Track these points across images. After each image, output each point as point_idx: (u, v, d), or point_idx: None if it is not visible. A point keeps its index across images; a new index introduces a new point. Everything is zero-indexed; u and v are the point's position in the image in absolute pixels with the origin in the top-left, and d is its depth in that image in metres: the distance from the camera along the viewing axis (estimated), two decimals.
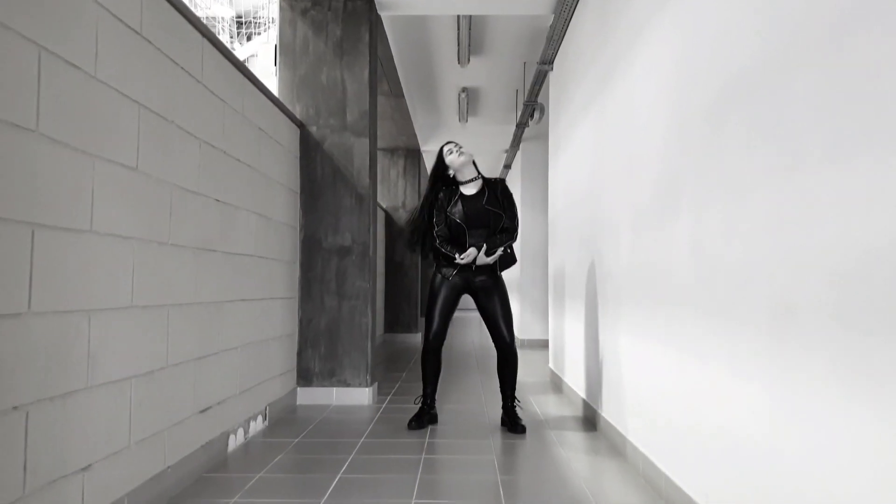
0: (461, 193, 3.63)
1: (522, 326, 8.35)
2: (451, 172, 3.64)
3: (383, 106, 6.96)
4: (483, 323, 3.71)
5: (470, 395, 4.65)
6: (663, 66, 2.52)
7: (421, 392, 3.74)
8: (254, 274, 3.43)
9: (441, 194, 3.66)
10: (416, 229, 3.69)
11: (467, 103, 7.66)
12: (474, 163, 3.69)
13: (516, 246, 3.93)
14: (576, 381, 4.30)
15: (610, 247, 3.34)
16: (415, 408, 3.79)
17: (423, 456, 3.05)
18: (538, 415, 4.02)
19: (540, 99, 6.51)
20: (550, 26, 4.84)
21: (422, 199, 3.75)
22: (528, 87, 6.50)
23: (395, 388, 4.93)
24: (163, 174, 2.39)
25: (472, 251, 3.48)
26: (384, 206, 8.92)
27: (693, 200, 2.17)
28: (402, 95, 6.63)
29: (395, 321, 8.92)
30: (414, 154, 9.07)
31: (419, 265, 9.16)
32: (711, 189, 2.01)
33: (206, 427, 2.80)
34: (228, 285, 3.06)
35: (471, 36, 5.67)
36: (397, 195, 9.05)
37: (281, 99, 4.38)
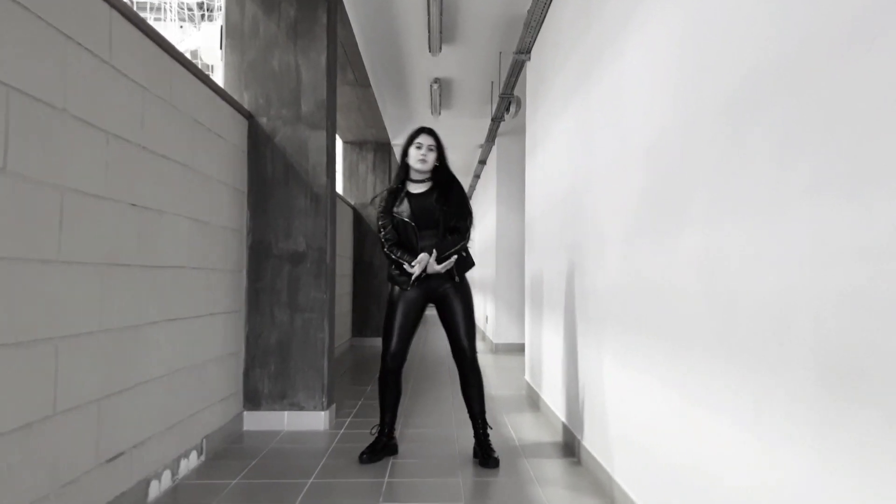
0: (407, 191, 3.25)
1: (497, 330, 7.95)
2: (407, 160, 3.27)
3: (349, 96, 6.48)
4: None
5: (438, 415, 4.23)
6: (663, 52, 2.10)
7: (378, 421, 3.30)
8: (186, 288, 2.96)
9: (385, 192, 3.32)
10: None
11: (440, 95, 7.21)
12: (438, 165, 3.26)
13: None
14: (554, 401, 3.89)
15: (594, 258, 2.93)
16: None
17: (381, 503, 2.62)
18: (513, 439, 3.61)
19: (516, 91, 6.09)
20: (528, 11, 4.42)
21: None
22: (503, 78, 6.08)
23: (357, 408, 4.48)
24: (46, 175, 1.92)
25: (423, 257, 3.11)
26: (352, 203, 8.44)
27: (704, 215, 1.76)
28: (369, 85, 6.16)
29: (364, 325, 8.46)
30: (384, 148, 8.60)
31: None
32: (731, 203, 1.60)
33: (116, 478, 2.34)
34: (149, 304, 2.59)
35: (442, 22, 5.22)
36: (367, 191, 8.57)
37: (227, 87, 3.90)
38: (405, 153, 3.28)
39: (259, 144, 3.87)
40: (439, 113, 7.78)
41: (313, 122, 3.90)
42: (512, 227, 7.95)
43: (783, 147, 1.37)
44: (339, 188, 8.55)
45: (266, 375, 3.86)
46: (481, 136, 8.40)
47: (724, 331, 1.62)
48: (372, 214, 8.49)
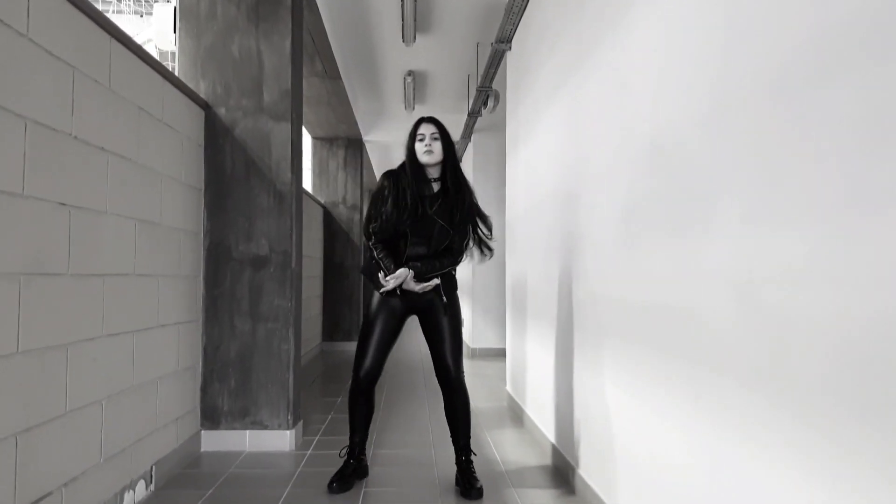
0: (414, 190, 2.84)
1: (474, 335, 7.65)
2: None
3: (318, 89, 6.13)
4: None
5: (415, 433, 3.92)
6: (684, 24, 1.82)
7: (348, 442, 2.98)
8: (130, 298, 2.61)
9: (389, 181, 2.86)
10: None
11: (413, 88, 6.89)
12: (445, 163, 2.89)
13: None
14: (541, 419, 3.61)
15: (591, 264, 2.64)
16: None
17: None
18: (497, 462, 3.31)
19: (495, 84, 5.81)
20: None
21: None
22: (481, 70, 5.79)
23: (327, 423, 4.15)
24: None
25: (401, 273, 2.77)
26: (322, 202, 8.08)
27: (739, 217, 1.48)
28: (339, 77, 5.82)
29: (335, 328, 8.11)
30: (355, 144, 8.25)
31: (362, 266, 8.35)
32: (779, 205, 1.32)
33: None
34: (83, 319, 2.25)
35: (416, 9, 4.91)
36: (337, 189, 8.22)
37: (182, 74, 3.54)
38: (411, 152, 2.88)
39: (217, 137, 3.52)
40: (413, 108, 7.47)
41: (277, 112, 3.56)
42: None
43: (860, 135, 1.09)
44: (309, 186, 8.18)
45: (225, 391, 3.51)
46: (456, 133, 8.09)
47: (769, 363, 1.34)
48: (343, 213, 8.14)
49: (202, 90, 3.53)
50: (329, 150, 8.23)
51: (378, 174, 12.14)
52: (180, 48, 3.57)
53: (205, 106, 3.50)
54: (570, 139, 3.03)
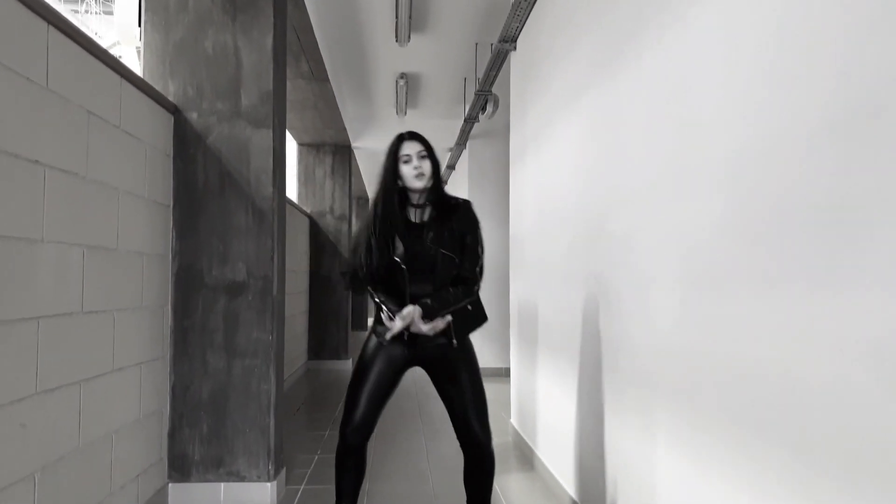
0: (402, 218, 2.38)
1: None
2: (401, 183, 2.39)
3: (304, 92, 5.69)
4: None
5: (412, 481, 3.48)
6: (774, 12, 1.41)
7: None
8: (75, 341, 2.16)
9: (378, 208, 2.37)
10: (354, 273, 2.40)
11: (406, 92, 6.46)
12: (433, 184, 2.41)
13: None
14: (559, 468, 3.18)
15: (630, 304, 2.22)
16: None
17: None
18: None
19: (495, 88, 5.39)
20: None
21: (364, 222, 2.45)
22: (480, 72, 5.37)
23: (314, 465, 3.70)
24: None
25: (410, 311, 2.27)
26: (309, 212, 7.63)
27: (889, 260, 1.06)
28: (327, 79, 5.38)
29: (321, 346, 7.64)
30: (343, 151, 7.80)
31: None
32: None
33: None
34: (6, 376, 1.79)
35: (412, 6, 4.49)
36: (324, 198, 7.76)
37: (148, 74, 3.09)
38: (393, 172, 2.38)
39: (187, 146, 3.07)
40: (405, 112, 7.03)
41: (256, 118, 3.11)
42: (487, 240, 7.21)
43: None
44: (294, 195, 7.72)
45: (197, 437, 3.05)
46: (451, 139, 7.68)
47: None
48: (330, 224, 7.69)
49: (171, 92, 3.08)
50: (315, 156, 7.78)
51: (368, 183, 11.70)
52: (146, 44, 3.12)
53: (173, 110, 3.05)
54: (596, 153, 2.62)
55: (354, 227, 2.44)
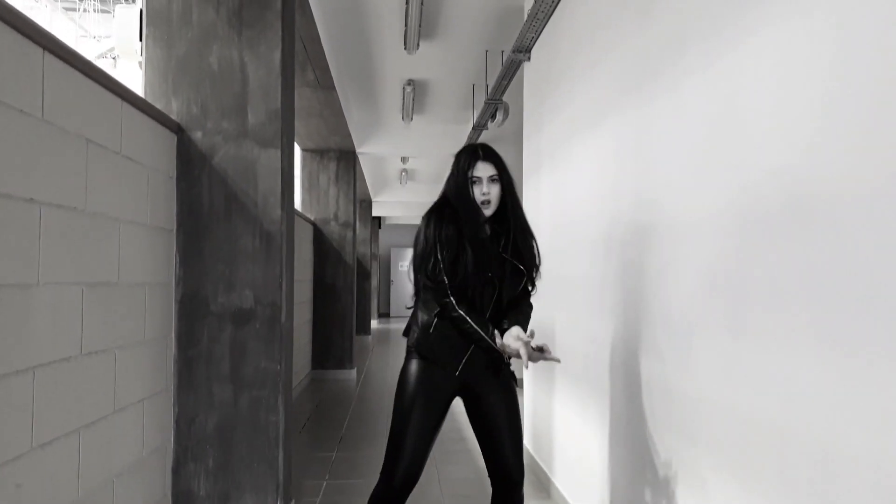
0: (469, 234, 2.16)
1: None
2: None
3: (310, 100, 5.55)
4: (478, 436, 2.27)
5: None
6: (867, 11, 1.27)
7: None
8: (73, 387, 2.02)
9: (450, 227, 2.14)
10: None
11: (413, 99, 6.32)
12: (504, 204, 2.22)
13: None
14: (580, 501, 3.04)
15: (673, 354, 2.08)
16: None
17: None
18: None
19: (506, 97, 5.25)
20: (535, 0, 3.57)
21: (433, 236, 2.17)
22: (491, 80, 5.23)
23: (322, 492, 3.57)
24: None
25: (515, 333, 2.03)
26: (312, 219, 7.49)
27: None
28: (333, 88, 5.24)
29: (325, 356, 7.52)
30: (348, 156, 7.66)
31: (354, 289, 7.75)
32: None
33: None
34: (2, 434, 1.66)
35: (422, 13, 4.35)
36: (328, 205, 7.62)
37: (150, 90, 2.95)
38: (465, 192, 2.16)
39: (192, 167, 2.93)
40: (411, 118, 6.90)
41: (264, 137, 2.97)
42: None
43: None
44: (298, 202, 7.59)
45: (203, 472, 2.92)
46: (457, 145, 7.53)
47: None
48: (335, 231, 7.55)
49: (174, 110, 2.94)
50: (320, 162, 7.64)
51: (371, 188, 11.56)
52: (147, 59, 2.97)
53: (177, 129, 2.91)
54: (621, 177, 2.48)
55: (420, 241, 2.18)
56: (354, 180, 7.75)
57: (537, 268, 2.28)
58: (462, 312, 2.07)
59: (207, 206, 2.93)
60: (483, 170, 2.17)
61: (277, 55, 2.99)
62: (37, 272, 1.82)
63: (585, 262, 2.96)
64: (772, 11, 1.50)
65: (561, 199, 3.43)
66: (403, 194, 12.26)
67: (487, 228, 2.23)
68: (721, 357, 1.72)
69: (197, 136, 2.94)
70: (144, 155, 2.57)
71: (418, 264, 2.19)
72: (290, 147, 3.16)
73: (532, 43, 4.02)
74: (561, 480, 3.37)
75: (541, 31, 3.83)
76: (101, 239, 2.20)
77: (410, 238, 18.74)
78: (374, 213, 13.72)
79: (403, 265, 18.19)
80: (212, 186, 2.94)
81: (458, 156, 2.27)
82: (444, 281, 2.10)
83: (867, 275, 1.18)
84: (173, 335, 2.88)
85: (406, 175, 10.38)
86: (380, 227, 16.76)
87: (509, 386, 2.24)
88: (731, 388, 1.66)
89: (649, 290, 2.22)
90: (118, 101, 2.33)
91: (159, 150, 2.74)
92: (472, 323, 2.07)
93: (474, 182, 2.16)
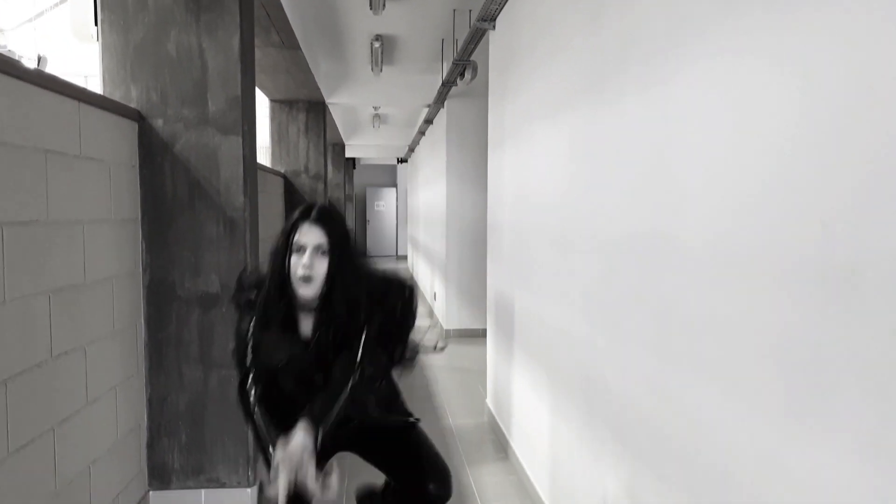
0: (286, 314, 1.84)
1: (447, 313, 7.27)
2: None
3: (275, 59, 5.47)
4: None
5: None
6: None
7: None
8: (45, 392, 2.13)
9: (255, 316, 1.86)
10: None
11: (381, 52, 6.24)
12: (332, 281, 1.76)
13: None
14: (532, 469, 3.27)
15: (608, 342, 2.23)
16: None
17: None
18: None
19: (474, 56, 5.23)
20: None
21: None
22: (458, 41, 5.20)
23: None
24: None
25: (298, 442, 1.59)
26: (283, 171, 7.48)
27: None
28: (299, 47, 5.17)
29: None
30: (318, 108, 7.57)
31: None
32: None
33: None
34: None
35: None
36: (298, 157, 7.58)
37: (108, 77, 2.94)
38: (281, 264, 1.76)
39: (154, 155, 2.96)
40: (381, 69, 6.81)
41: (225, 124, 3.00)
42: (465, 204, 7.17)
43: None
44: (267, 154, 7.55)
45: (176, 446, 3.08)
46: (429, 96, 7.50)
47: None
48: (305, 183, 7.55)
49: (133, 98, 2.94)
50: (289, 113, 7.55)
51: (343, 136, 11.46)
52: (104, 45, 2.95)
53: (137, 117, 2.92)
54: (576, 173, 2.57)
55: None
56: (325, 131, 7.69)
57: (401, 352, 1.93)
58: (255, 419, 1.81)
59: (171, 194, 2.98)
60: (310, 235, 1.74)
61: (236, 41, 2.99)
62: (2, 291, 1.89)
63: (541, 247, 3.08)
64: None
65: (520, 184, 3.50)
66: (376, 138, 12.18)
67: (309, 316, 1.83)
68: (646, 349, 1.87)
69: (158, 123, 2.96)
70: (105, 150, 2.60)
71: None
72: (251, 134, 3.19)
73: (496, 13, 4.01)
74: (517, 445, 3.59)
75: (504, 3, 3.81)
76: (64, 244, 2.26)
77: (385, 177, 18.72)
78: (348, 155, 13.63)
79: (380, 204, 18.31)
80: (174, 174, 2.98)
81: (292, 213, 1.84)
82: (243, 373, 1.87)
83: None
84: (143, 320, 2.98)
85: (379, 119, 10.30)
86: (354, 168, 16.65)
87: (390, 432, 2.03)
88: (657, 372, 1.82)
89: (600, 282, 2.36)
90: (75, 104, 2.35)
91: (121, 142, 2.77)
92: (259, 434, 1.80)
93: (298, 251, 1.74)
